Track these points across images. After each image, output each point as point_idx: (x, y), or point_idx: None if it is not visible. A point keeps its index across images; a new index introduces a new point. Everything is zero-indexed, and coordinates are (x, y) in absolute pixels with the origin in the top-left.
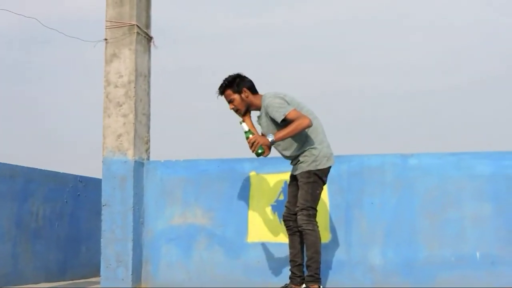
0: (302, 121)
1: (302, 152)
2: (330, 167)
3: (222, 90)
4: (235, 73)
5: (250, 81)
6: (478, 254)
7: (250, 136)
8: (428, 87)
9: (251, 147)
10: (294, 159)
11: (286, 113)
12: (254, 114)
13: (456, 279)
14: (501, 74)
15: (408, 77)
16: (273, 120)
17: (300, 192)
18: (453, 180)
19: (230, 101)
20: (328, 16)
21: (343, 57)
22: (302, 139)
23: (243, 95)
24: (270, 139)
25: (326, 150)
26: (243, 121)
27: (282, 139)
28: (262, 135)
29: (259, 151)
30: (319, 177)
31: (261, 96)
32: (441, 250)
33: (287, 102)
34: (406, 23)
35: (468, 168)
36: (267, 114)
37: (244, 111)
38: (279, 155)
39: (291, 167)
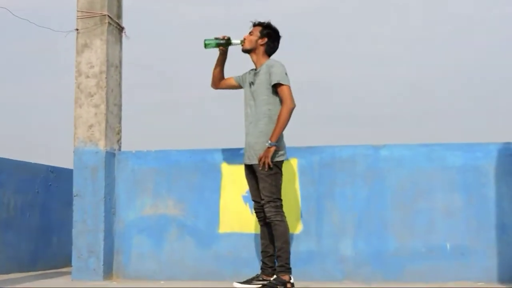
0: (289, 105)
1: (264, 136)
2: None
3: (257, 23)
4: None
5: (276, 44)
6: (448, 245)
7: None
8: (403, 79)
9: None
10: (250, 147)
11: (283, 83)
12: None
13: (426, 270)
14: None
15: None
16: (268, 81)
17: (262, 185)
18: (424, 171)
19: (250, 33)
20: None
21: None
22: (269, 126)
23: (260, 40)
24: (269, 144)
25: (282, 142)
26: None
27: (279, 134)
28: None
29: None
30: (279, 167)
31: (268, 58)
32: (411, 241)
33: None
34: (381, 14)
35: (439, 159)
36: (267, 72)
37: (247, 50)
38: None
39: None
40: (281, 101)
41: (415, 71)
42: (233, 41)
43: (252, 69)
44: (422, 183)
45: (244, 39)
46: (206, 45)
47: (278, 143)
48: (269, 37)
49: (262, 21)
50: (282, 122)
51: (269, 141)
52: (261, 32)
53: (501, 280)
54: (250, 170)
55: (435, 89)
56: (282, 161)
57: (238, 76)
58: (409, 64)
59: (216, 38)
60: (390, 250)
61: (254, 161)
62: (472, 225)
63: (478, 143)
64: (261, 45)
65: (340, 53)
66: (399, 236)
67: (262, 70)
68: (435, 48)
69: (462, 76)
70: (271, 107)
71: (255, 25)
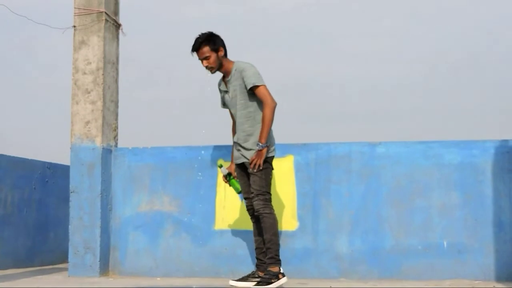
0: (271, 105)
1: (252, 137)
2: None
3: (199, 45)
4: (207, 31)
5: (224, 42)
6: (445, 243)
7: (234, 180)
8: (399, 75)
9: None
10: (240, 145)
11: (259, 84)
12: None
13: (422, 268)
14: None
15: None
16: (242, 86)
17: (253, 179)
18: (421, 169)
19: (205, 58)
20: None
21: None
22: (255, 127)
23: (219, 54)
24: (260, 147)
25: (272, 139)
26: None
27: (267, 135)
28: (223, 103)
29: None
30: (269, 163)
31: (232, 61)
32: (408, 239)
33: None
34: (378, 10)
35: (436, 157)
36: (239, 78)
37: (215, 70)
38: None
39: None
40: (259, 102)
41: (413, 69)
42: (223, 170)
43: (221, 80)
44: (418, 181)
45: (207, 67)
46: (240, 191)
47: (267, 142)
48: (219, 44)
49: (196, 41)
50: (267, 122)
51: (259, 143)
52: (212, 48)
53: (498, 278)
54: (241, 168)
55: (432, 88)
56: (272, 157)
57: (223, 104)
58: (408, 62)
59: (234, 186)
60: (386, 247)
61: (245, 159)
62: (469, 222)
63: (475, 140)
64: (222, 56)
65: (337, 51)
66: (395, 233)
67: (234, 76)
68: (433, 47)
69: (459, 74)
70: (251, 109)
71: (197, 49)
